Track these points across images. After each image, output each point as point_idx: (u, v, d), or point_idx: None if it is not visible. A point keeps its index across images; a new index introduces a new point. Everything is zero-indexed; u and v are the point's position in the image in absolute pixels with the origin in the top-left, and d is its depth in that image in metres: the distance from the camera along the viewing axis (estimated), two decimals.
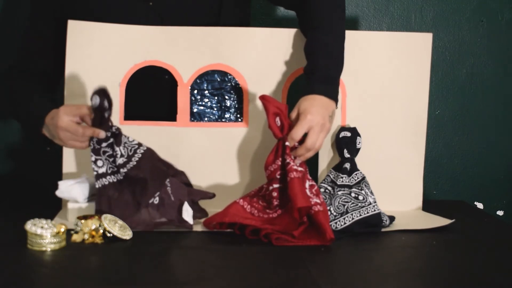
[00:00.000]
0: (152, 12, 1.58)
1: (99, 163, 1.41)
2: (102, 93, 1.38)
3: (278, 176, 1.37)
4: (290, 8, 1.66)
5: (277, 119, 1.40)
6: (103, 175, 1.40)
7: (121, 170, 1.40)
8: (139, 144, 1.45)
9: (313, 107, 1.42)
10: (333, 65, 1.51)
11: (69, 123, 1.43)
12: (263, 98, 1.41)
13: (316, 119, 1.41)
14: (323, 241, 1.29)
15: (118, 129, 1.42)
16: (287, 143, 1.39)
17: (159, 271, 1.11)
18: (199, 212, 1.44)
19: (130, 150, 1.42)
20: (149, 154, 1.45)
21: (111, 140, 1.41)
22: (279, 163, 1.38)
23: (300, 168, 1.37)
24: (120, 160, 1.40)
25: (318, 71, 1.49)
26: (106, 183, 1.40)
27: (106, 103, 1.39)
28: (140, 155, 1.43)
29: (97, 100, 1.38)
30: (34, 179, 1.88)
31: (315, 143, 1.41)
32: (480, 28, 1.98)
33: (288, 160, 1.37)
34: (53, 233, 1.21)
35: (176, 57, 1.57)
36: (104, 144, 1.41)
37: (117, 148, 1.40)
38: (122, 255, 1.22)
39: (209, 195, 1.46)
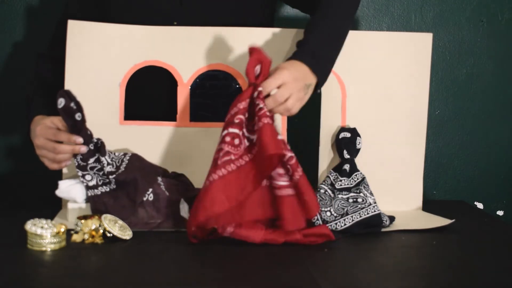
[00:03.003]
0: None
1: (88, 177, 1.41)
2: (66, 94, 1.37)
3: (237, 121, 1.30)
4: (306, 10, 1.65)
5: (258, 67, 1.34)
6: (94, 186, 1.41)
7: (110, 176, 1.40)
8: (125, 154, 1.45)
9: (292, 67, 1.38)
10: (326, 44, 1.47)
11: (45, 141, 1.44)
12: (252, 47, 1.35)
13: (291, 77, 1.35)
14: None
15: (99, 139, 1.42)
16: (260, 89, 1.32)
17: (159, 271, 1.11)
18: None
19: (118, 161, 1.43)
20: (136, 157, 1.46)
21: (97, 155, 1.41)
22: (242, 107, 1.31)
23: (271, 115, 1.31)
24: (108, 168, 1.41)
25: (307, 45, 1.46)
26: (99, 193, 1.40)
27: (73, 104, 1.37)
28: (127, 162, 1.43)
29: (62, 101, 1.37)
30: (34, 179, 1.89)
31: (285, 98, 1.34)
32: (480, 28, 1.98)
33: (261, 105, 1.29)
34: (53, 233, 1.21)
35: (176, 57, 1.57)
36: (91, 160, 1.41)
37: (102, 158, 1.41)
38: (122, 255, 1.22)
39: None
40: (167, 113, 1.59)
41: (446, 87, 1.99)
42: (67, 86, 1.55)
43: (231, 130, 1.30)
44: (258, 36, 1.58)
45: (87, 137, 1.41)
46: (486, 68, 1.99)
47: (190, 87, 1.58)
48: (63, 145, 1.42)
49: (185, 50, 1.57)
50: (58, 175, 1.54)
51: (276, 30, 1.60)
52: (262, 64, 1.34)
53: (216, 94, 1.59)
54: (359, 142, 1.55)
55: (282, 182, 1.29)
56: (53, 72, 1.60)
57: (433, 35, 1.62)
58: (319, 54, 1.45)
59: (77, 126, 1.39)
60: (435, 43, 1.93)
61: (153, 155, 1.52)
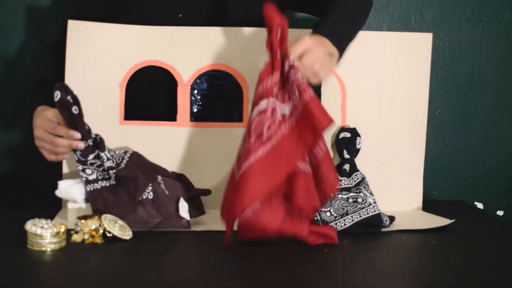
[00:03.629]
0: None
1: (88, 171, 1.41)
2: (63, 87, 1.37)
3: (276, 91, 1.29)
4: (317, 13, 1.65)
5: (279, 30, 1.30)
6: (94, 180, 1.41)
7: (111, 172, 1.40)
8: (125, 152, 1.45)
9: (314, 37, 1.37)
10: (342, 25, 1.48)
11: (43, 133, 1.44)
12: (268, 8, 1.30)
13: (313, 43, 1.34)
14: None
15: (97, 135, 1.42)
16: (292, 58, 1.29)
17: (159, 271, 1.11)
18: (195, 210, 1.44)
19: (118, 159, 1.43)
20: (136, 155, 1.46)
21: (96, 152, 1.41)
22: (275, 79, 1.29)
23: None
24: (108, 163, 1.41)
25: (324, 25, 1.46)
26: (99, 187, 1.40)
27: (69, 98, 1.37)
28: (127, 159, 1.43)
29: (58, 94, 1.37)
30: (34, 179, 1.88)
31: (311, 62, 1.32)
32: (480, 28, 1.98)
33: (299, 77, 1.26)
34: (53, 233, 1.21)
35: (176, 57, 1.57)
36: (90, 157, 1.41)
37: (102, 154, 1.41)
38: (122, 255, 1.22)
39: (205, 192, 1.46)
40: (167, 113, 1.59)
41: (446, 87, 1.99)
42: None
43: (272, 100, 1.27)
44: (258, 36, 1.58)
45: (85, 132, 1.40)
46: (486, 68, 1.99)
47: (190, 87, 1.58)
48: (62, 139, 1.42)
49: (185, 50, 1.57)
50: (58, 175, 1.54)
51: None
52: (283, 28, 1.30)
53: (216, 94, 1.59)
54: (359, 142, 1.55)
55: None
56: (57, 70, 1.59)
57: (433, 35, 1.62)
58: (337, 31, 1.45)
59: (74, 120, 1.39)
60: (435, 43, 1.93)
61: (153, 155, 1.52)
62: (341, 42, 1.45)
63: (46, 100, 1.54)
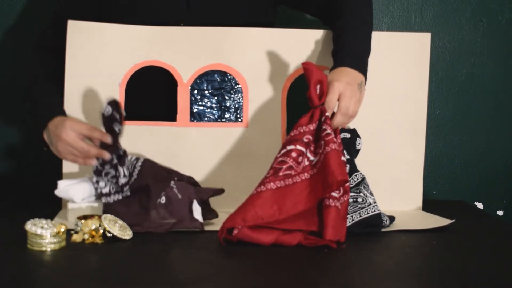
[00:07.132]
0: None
1: (101, 184, 1.41)
2: (115, 105, 1.39)
3: (306, 140, 1.35)
4: (317, 13, 1.66)
5: (318, 86, 1.38)
6: (107, 194, 1.41)
7: (124, 188, 1.40)
8: (137, 159, 1.45)
9: (340, 76, 1.42)
10: (360, 45, 1.52)
11: (75, 139, 1.42)
12: (306, 64, 1.38)
13: (343, 85, 1.40)
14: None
15: (124, 151, 1.42)
16: (327, 114, 1.37)
17: (159, 271, 1.11)
18: (209, 213, 1.43)
19: (130, 167, 1.43)
20: (149, 164, 1.45)
21: (115, 161, 1.41)
22: (312, 128, 1.36)
23: (339, 141, 1.37)
24: (122, 180, 1.41)
25: (344, 49, 1.50)
26: (111, 201, 1.40)
27: (117, 115, 1.39)
28: (139, 168, 1.43)
29: (109, 110, 1.39)
30: (34, 179, 1.89)
31: (348, 108, 1.40)
32: (480, 28, 1.98)
33: (329, 131, 1.34)
34: (53, 233, 1.21)
35: (176, 57, 1.57)
36: (107, 166, 1.41)
37: (120, 169, 1.41)
38: (122, 255, 1.22)
39: (219, 192, 1.45)
40: (167, 113, 1.59)
41: (446, 87, 1.99)
42: (67, 86, 1.55)
43: (298, 147, 1.34)
44: (258, 36, 1.59)
45: (117, 150, 1.41)
46: (486, 68, 1.99)
47: (190, 87, 1.58)
48: (92, 148, 1.41)
49: (185, 50, 1.57)
50: (58, 175, 1.54)
51: (276, 30, 1.60)
52: (323, 82, 1.37)
53: (216, 94, 1.59)
54: (359, 143, 1.54)
55: (333, 193, 1.31)
56: (54, 63, 1.59)
57: (433, 35, 1.63)
58: (357, 55, 1.49)
59: (113, 138, 1.40)
60: (435, 43, 1.93)
61: (153, 155, 1.52)
62: (364, 64, 1.50)
63: (60, 102, 1.52)
